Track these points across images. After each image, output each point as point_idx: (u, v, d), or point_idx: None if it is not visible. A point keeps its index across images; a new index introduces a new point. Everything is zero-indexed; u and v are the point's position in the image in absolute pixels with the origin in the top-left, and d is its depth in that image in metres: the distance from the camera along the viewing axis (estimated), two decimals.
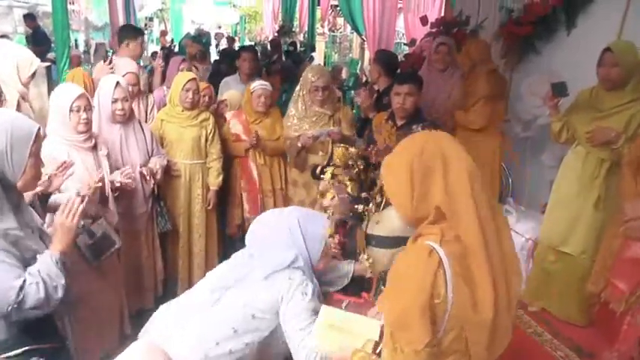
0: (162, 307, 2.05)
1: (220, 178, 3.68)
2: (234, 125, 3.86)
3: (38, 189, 2.18)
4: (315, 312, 1.80)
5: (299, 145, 3.57)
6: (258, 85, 3.81)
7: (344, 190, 2.33)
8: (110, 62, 3.82)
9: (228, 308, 1.87)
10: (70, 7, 5.34)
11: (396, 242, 2.11)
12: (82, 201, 1.86)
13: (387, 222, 2.18)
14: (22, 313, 1.64)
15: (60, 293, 1.72)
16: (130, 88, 3.50)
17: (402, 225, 2.08)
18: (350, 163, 2.45)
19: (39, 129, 1.73)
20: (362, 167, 2.44)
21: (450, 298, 1.27)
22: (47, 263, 1.70)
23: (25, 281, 1.63)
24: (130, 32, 4.23)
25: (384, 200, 2.34)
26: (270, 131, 3.82)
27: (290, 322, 1.81)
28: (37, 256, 1.72)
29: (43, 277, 1.67)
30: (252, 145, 3.74)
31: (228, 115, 3.94)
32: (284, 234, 2.01)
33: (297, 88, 3.72)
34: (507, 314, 1.33)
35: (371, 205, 2.30)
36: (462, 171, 1.30)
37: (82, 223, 2.62)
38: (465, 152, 1.34)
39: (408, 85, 3.20)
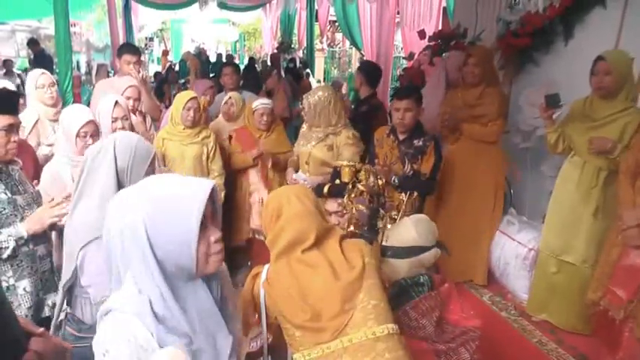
0: None
1: (222, 194, 3.69)
2: (240, 141, 3.89)
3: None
4: None
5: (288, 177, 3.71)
6: (260, 104, 3.84)
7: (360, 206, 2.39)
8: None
9: None
10: (71, 29, 5.40)
11: (411, 251, 2.19)
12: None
13: (399, 234, 2.26)
14: None
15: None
16: (132, 102, 3.53)
17: (415, 235, 2.20)
18: (358, 179, 2.50)
19: (155, 153, 1.98)
20: (374, 183, 2.49)
21: (262, 295, 1.86)
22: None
23: None
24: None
25: (400, 213, 2.41)
26: (275, 145, 3.86)
27: None
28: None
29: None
30: (259, 156, 3.77)
31: (232, 130, 3.98)
32: None
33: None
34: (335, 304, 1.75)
35: (385, 219, 2.36)
36: (289, 217, 1.83)
37: None
38: (300, 200, 1.87)
39: (406, 101, 3.20)
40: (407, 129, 3.26)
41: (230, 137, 3.96)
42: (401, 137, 3.31)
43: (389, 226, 2.40)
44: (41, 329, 1.45)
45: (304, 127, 3.71)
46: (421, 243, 2.23)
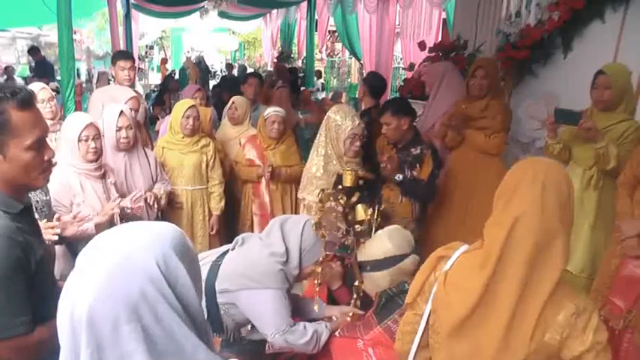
0: None
1: (222, 202, 3.71)
2: (249, 150, 3.90)
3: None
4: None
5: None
6: (272, 111, 3.85)
7: (334, 224, 2.37)
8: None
9: None
10: None
11: (389, 262, 2.23)
12: None
13: (374, 248, 2.30)
14: None
15: None
16: (132, 113, 3.55)
17: (390, 246, 2.22)
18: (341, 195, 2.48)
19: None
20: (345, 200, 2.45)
21: (434, 284, 1.54)
22: None
23: None
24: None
25: (373, 227, 2.43)
26: (284, 157, 3.86)
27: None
28: None
29: None
30: (268, 178, 3.76)
31: (243, 139, 4.02)
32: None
33: (320, 140, 3.34)
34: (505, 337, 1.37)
35: (352, 236, 2.36)
36: (525, 199, 1.34)
37: None
38: (557, 181, 1.34)
39: (385, 115, 3.26)
40: (395, 141, 3.31)
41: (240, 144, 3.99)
42: (399, 145, 3.35)
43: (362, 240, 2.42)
44: None
45: (318, 174, 3.29)
46: (397, 252, 2.27)
